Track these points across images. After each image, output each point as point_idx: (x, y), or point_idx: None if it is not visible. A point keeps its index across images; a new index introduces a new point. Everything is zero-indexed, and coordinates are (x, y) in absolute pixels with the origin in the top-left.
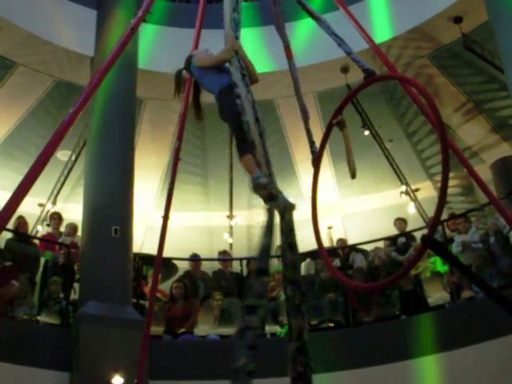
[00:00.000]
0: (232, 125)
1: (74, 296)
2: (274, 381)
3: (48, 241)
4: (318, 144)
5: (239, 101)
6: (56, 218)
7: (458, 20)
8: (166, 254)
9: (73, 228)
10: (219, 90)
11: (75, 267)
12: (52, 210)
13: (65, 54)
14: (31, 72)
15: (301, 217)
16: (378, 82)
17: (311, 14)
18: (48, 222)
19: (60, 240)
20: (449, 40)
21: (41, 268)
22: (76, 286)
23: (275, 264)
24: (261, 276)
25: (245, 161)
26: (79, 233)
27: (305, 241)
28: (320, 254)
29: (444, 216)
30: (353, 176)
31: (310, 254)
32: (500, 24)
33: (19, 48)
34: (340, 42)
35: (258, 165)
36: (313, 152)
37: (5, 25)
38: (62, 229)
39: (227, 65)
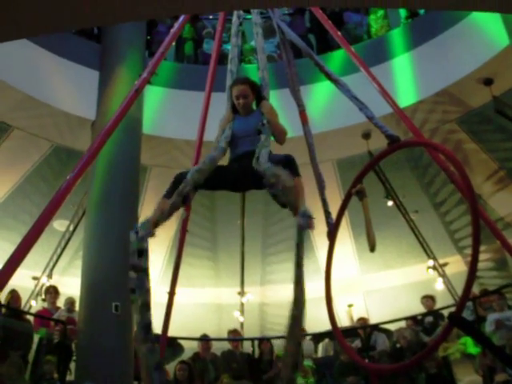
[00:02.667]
0: None
1: (69, 377)
2: None
3: (43, 317)
4: (334, 215)
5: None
6: (52, 292)
7: (488, 82)
8: (172, 332)
9: (72, 303)
10: None
11: (72, 345)
12: (47, 284)
13: (64, 118)
14: (27, 136)
15: (319, 294)
16: (402, 148)
17: (329, 77)
18: (43, 297)
19: (56, 316)
20: (479, 103)
21: (34, 346)
22: (72, 365)
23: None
24: None
25: None
26: (76, 308)
27: (323, 320)
28: (335, 334)
29: (475, 292)
30: (372, 249)
31: (329, 334)
32: None
33: (15, 110)
34: (361, 106)
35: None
36: (328, 223)
37: (0, 86)
38: (58, 303)
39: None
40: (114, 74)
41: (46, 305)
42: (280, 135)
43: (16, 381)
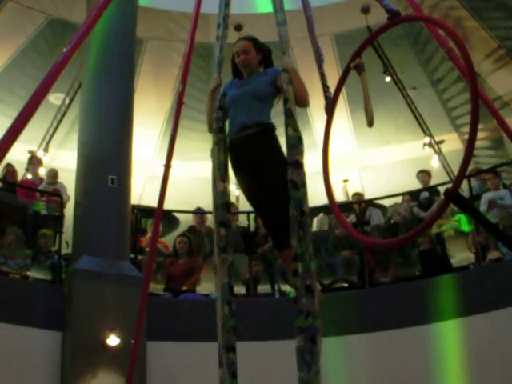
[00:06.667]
0: None
1: (66, 250)
2: (287, 343)
3: (33, 189)
4: (332, 89)
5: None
6: (35, 162)
7: None
8: (167, 206)
9: (54, 175)
10: None
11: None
12: (44, 158)
13: None
14: (21, 8)
15: (314, 168)
16: (402, 23)
17: None
18: (26, 167)
19: (41, 187)
20: None
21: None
22: (69, 239)
23: None
24: None
25: None
26: (73, 182)
27: (318, 194)
28: (332, 210)
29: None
30: (370, 124)
31: (324, 209)
32: None
33: None
34: None
35: None
36: (326, 97)
37: None
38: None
39: None
40: None
41: (29, 175)
42: (301, 95)
43: (16, 251)
